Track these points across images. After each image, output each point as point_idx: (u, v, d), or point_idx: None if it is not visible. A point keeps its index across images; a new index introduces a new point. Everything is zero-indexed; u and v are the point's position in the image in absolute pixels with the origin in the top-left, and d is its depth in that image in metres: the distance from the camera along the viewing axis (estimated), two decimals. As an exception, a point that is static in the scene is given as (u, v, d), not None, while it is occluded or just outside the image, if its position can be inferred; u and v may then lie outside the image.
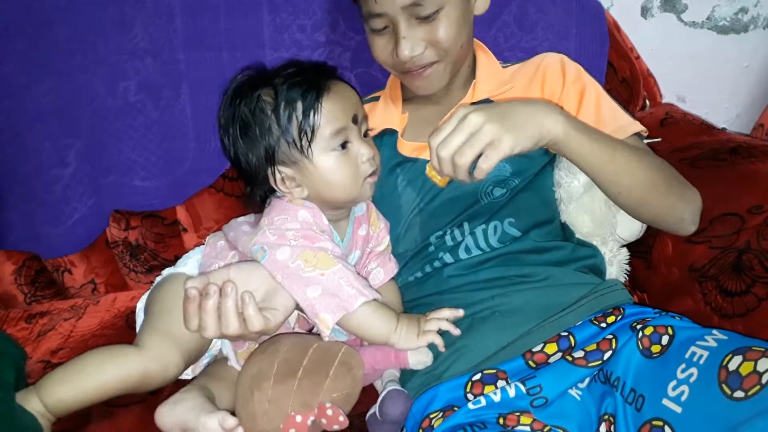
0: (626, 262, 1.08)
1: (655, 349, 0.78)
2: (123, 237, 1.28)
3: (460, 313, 0.89)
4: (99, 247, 1.30)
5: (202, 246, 1.06)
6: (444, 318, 0.88)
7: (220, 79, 1.21)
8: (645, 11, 1.50)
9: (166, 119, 1.22)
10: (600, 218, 1.05)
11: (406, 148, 1.06)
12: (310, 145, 0.89)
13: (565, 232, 1.05)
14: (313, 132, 0.89)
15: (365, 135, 0.96)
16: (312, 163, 0.90)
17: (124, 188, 1.24)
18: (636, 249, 1.10)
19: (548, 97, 1.04)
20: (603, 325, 0.86)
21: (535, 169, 1.04)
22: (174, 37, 1.18)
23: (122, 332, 1.19)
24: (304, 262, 0.84)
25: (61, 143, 1.22)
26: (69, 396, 0.86)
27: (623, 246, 1.10)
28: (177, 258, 1.29)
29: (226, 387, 0.93)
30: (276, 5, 1.19)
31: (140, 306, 1.02)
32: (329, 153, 0.90)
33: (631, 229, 1.07)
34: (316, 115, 0.89)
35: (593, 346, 0.83)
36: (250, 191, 0.97)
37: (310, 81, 0.91)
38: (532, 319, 0.88)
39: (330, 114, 0.90)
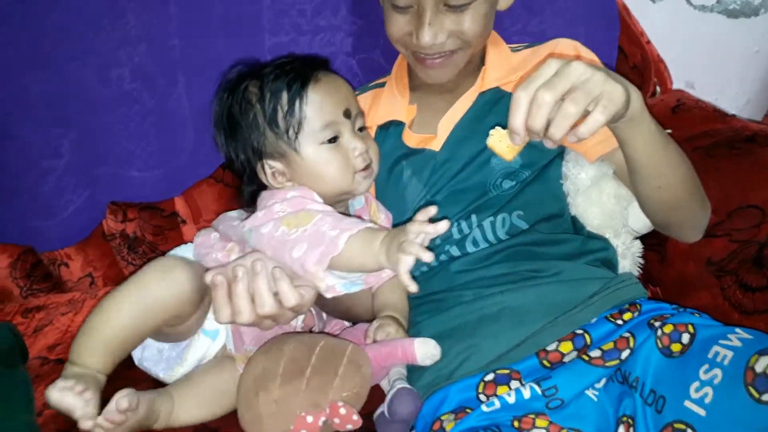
0: (639, 254, 1.05)
1: (675, 348, 0.75)
2: (120, 229, 1.25)
3: (432, 211, 0.73)
4: (96, 240, 1.26)
5: (186, 245, 1.02)
6: (422, 231, 0.71)
7: (217, 66, 1.16)
8: (654, -6, 1.46)
9: (162, 108, 1.18)
10: (610, 210, 1.02)
11: (412, 139, 1.03)
12: (297, 137, 0.88)
13: (575, 226, 1.02)
14: (300, 123, 0.88)
15: (360, 130, 0.94)
16: (300, 156, 0.89)
17: (120, 179, 1.20)
18: (649, 241, 1.07)
19: None
20: (619, 322, 0.83)
21: (545, 160, 1.01)
22: (168, 22, 1.14)
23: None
24: (287, 227, 0.81)
25: (53, 134, 1.18)
26: (96, 346, 0.81)
27: (636, 238, 1.07)
28: (176, 251, 1.28)
29: (193, 394, 0.89)
30: (275, -13, 1.15)
31: None
32: (318, 146, 0.89)
33: (644, 220, 1.04)
34: (302, 106, 0.88)
35: (610, 345, 0.80)
36: (242, 188, 0.96)
37: (296, 71, 0.90)
38: (545, 316, 0.85)
39: (318, 106, 0.89)
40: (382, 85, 1.12)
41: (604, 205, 1.02)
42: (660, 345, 0.76)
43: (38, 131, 1.17)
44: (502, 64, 1.04)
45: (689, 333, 0.75)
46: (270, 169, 0.91)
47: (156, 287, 0.82)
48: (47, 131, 1.17)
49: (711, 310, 0.87)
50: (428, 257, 0.69)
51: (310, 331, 0.97)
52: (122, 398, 0.76)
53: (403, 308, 0.96)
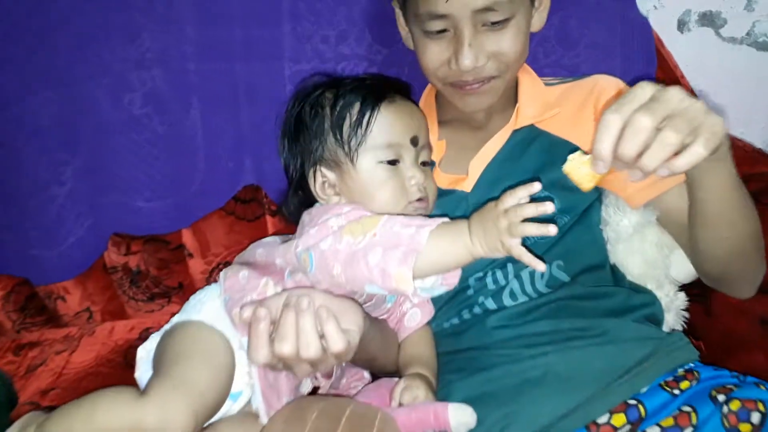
0: (684, 308, 0.99)
1: (744, 428, 0.69)
2: (123, 262, 1.17)
3: (536, 187, 0.67)
4: (96, 272, 1.18)
5: (211, 288, 0.93)
6: (527, 212, 0.66)
7: (233, 93, 1.10)
8: (682, 25, 1.41)
9: (173, 135, 1.10)
10: (652, 259, 0.97)
11: (443, 180, 0.96)
12: (357, 148, 0.84)
13: (616, 276, 0.96)
14: (363, 135, 0.85)
15: (425, 164, 0.89)
16: (355, 170, 0.85)
17: (125, 209, 1.13)
18: (692, 291, 1.01)
19: None
20: (676, 391, 0.77)
21: (584, 205, 0.95)
22: (185, 46, 1.07)
23: (119, 370, 1.10)
24: (352, 236, 0.74)
25: (57, 159, 1.10)
26: None
27: (680, 290, 1.00)
28: (181, 285, 1.20)
29: None
30: (297, 13, 1.08)
31: (142, 354, 0.90)
32: (376, 164, 0.85)
33: (688, 269, 0.98)
34: (370, 120, 0.85)
35: (670, 421, 0.73)
36: (288, 197, 0.93)
37: (375, 87, 0.89)
38: (593, 383, 0.78)
39: (387, 124, 0.86)
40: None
41: (646, 253, 0.96)
42: (727, 424, 0.70)
43: (43, 155, 1.09)
44: (536, 100, 0.98)
45: (759, 412, 0.69)
46: (321, 177, 0.88)
47: None
48: (52, 156, 1.09)
49: (765, 373, 0.81)
50: (552, 230, 0.65)
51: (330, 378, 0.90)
52: None
53: (431, 363, 0.89)
